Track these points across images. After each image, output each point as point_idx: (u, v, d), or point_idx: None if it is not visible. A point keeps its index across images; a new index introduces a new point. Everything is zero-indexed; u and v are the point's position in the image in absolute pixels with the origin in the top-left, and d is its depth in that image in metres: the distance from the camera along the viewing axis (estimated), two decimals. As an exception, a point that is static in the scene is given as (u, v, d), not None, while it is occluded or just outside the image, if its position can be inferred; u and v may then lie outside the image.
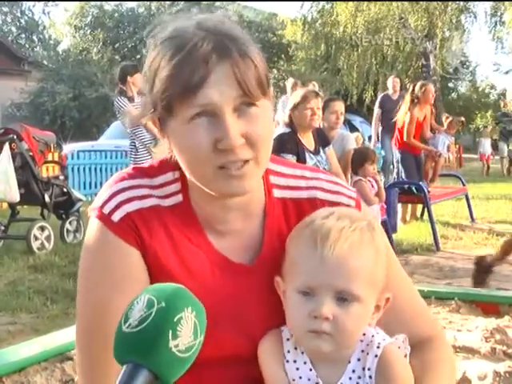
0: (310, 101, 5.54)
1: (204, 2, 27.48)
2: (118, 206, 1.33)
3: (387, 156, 11.75)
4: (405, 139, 8.98)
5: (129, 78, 7.83)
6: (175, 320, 0.88)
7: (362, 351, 1.32)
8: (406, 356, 1.38)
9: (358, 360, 1.32)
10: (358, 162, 6.53)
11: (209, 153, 1.23)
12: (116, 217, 1.33)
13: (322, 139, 5.79)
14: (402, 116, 9.07)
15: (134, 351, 0.88)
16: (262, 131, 1.27)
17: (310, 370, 1.33)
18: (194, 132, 1.23)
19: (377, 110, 11.89)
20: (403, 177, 9.14)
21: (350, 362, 1.32)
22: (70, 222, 8.31)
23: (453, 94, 41.17)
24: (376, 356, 1.30)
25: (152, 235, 1.34)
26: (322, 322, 1.27)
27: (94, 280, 1.33)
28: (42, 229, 7.75)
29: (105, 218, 1.33)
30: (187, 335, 0.89)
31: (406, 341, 1.39)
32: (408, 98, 9.07)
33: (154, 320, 0.88)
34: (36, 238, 7.62)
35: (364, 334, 1.33)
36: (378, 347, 1.31)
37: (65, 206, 8.36)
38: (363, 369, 1.31)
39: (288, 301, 1.33)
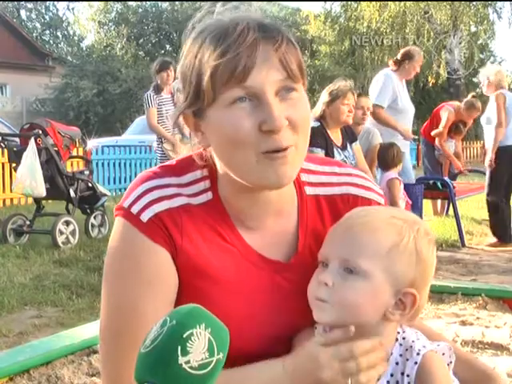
0: (348, 97, 5.49)
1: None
2: (146, 206, 1.31)
3: None
4: (436, 142, 9.09)
5: (155, 74, 7.84)
6: (185, 336, 0.87)
7: (401, 355, 1.30)
8: (449, 365, 1.34)
9: (397, 364, 1.29)
10: (392, 159, 6.48)
11: (252, 136, 1.21)
12: (145, 217, 1.30)
13: (350, 135, 5.73)
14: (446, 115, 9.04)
15: (148, 370, 0.89)
16: (302, 115, 1.26)
17: None
18: (237, 115, 1.21)
19: None
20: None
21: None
22: (94, 217, 8.33)
23: (477, 90, 40.88)
24: (416, 363, 1.27)
25: (183, 235, 1.31)
26: (322, 288, 1.27)
27: (122, 281, 1.31)
28: (67, 223, 7.77)
29: (133, 218, 1.31)
30: (199, 352, 0.88)
31: (451, 350, 1.34)
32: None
33: (163, 337, 0.88)
34: (61, 233, 7.65)
35: (404, 338, 1.31)
36: (418, 354, 1.27)
37: (90, 201, 8.37)
38: (402, 374, 1.29)
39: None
